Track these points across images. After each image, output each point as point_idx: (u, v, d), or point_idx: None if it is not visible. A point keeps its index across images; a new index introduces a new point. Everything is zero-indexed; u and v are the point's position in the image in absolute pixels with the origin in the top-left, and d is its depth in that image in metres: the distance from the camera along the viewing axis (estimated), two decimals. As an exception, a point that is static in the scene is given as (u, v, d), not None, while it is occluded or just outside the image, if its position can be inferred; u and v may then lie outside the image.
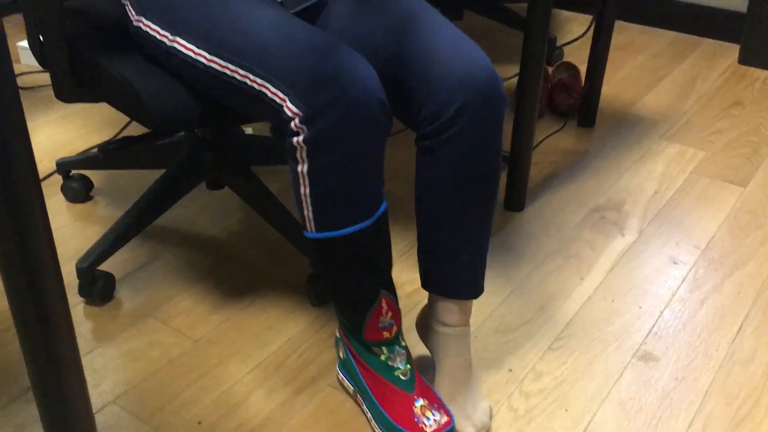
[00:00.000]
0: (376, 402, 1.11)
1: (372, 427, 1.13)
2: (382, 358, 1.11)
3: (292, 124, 0.95)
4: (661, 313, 1.37)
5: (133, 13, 1.16)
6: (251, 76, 1.00)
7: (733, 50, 2.49)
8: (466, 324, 1.16)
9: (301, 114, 0.94)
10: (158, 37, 1.11)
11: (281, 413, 1.17)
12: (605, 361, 1.27)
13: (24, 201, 0.74)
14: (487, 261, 1.23)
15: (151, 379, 1.22)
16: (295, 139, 0.96)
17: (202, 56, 1.05)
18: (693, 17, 2.59)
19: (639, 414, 1.17)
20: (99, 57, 1.17)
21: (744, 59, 2.39)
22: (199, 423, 1.15)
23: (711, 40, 2.57)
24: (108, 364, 1.25)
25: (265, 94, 0.99)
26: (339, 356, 1.20)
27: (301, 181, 0.99)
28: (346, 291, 1.08)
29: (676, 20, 2.63)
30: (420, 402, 1.10)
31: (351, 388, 1.18)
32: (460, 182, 1.06)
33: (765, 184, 1.76)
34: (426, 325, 1.19)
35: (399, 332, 1.12)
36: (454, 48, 1.03)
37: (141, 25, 1.14)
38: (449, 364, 1.15)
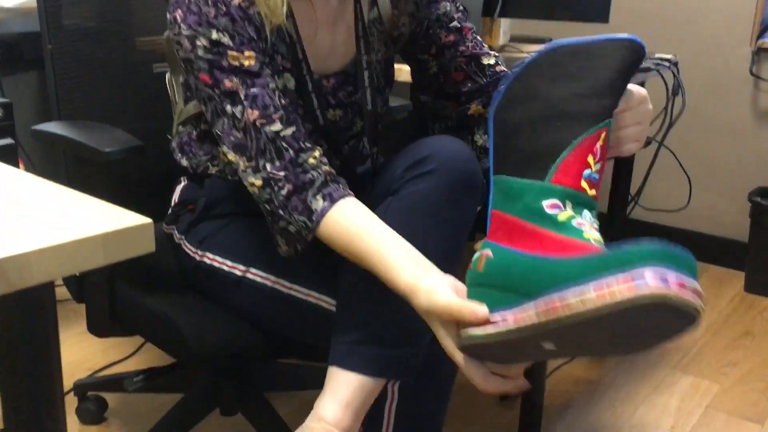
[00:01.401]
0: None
1: None
2: (562, 217, 0.82)
3: None
4: None
5: (193, 249, 1.20)
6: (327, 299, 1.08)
7: (739, 277, 2.55)
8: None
9: None
10: (226, 269, 1.15)
11: None
12: None
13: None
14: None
15: None
16: None
17: (280, 285, 1.11)
18: (698, 245, 2.69)
19: None
20: (138, 293, 1.23)
21: (750, 287, 2.45)
22: None
23: (718, 267, 2.65)
24: None
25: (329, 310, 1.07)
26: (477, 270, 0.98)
27: (390, 395, 1.04)
28: (550, 112, 0.87)
29: (682, 247, 2.72)
30: None
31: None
32: None
33: (783, 422, 1.74)
34: None
35: (596, 209, 0.89)
36: None
37: (205, 259, 1.18)
38: None
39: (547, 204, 0.79)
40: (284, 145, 1.00)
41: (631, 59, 0.86)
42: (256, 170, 1.01)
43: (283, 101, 1.03)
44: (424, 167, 1.02)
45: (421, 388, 1.06)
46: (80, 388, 1.63)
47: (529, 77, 0.87)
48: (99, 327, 1.23)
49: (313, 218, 0.98)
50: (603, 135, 0.82)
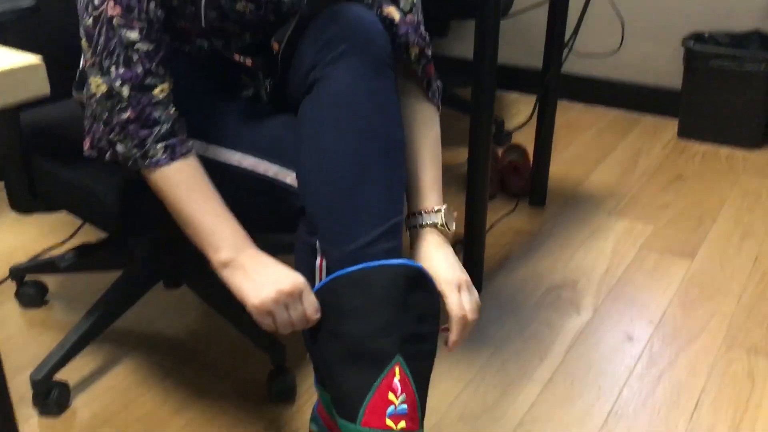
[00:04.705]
0: None
1: None
2: None
3: None
4: (620, 391, 1.39)
5: None
6: (265, 164, 1.04)
7: (673, 124, 2.60)
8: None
9: None
10: None
11: None
12: (569, 445, 1.27)
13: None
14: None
15: (109, 493, 1.19)
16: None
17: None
18: (633, 95, 2.71)
19: (605, 498, 1.17)
20: (56, 166, 1.18)
21: (682, 132, 2.50)
22: None
23: (651, 116, 2.69)
24: (64, 478, 1.21)
25: (282, 181, 1.03)
26: None
27: (320, 252, 1.01)
28: (348, 353, 0.94)
29: (618, 98, 2.75)
30: None
31: None
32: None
33: (711, 256, 1.82)
34: None
35: None
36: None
37: None
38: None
39: None
40: (135, 58, 0.95)
41: (411, 286, 0.95)
42: (101, 71, 0.96)
43: (157, 14, 0.97)
44: (334, 49, 0.99)
45: None
46: (16, 273, 1.59)
47: (323, 308, 0.97)
48: (20, 203, 1.18)
49: (147, 162, 0.97)
50: (397, 370, 0.92)
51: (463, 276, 1.04)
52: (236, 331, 1.52)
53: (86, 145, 1.05)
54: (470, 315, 1.02)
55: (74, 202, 1.16)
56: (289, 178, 1.03)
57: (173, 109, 0.98)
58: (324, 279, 0.99)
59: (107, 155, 1.00)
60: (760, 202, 2.07)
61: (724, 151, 2.41)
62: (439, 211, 1.07)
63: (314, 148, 0.99)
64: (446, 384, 1.41)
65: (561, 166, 2.31)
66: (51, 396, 1.32)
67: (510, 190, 2.12)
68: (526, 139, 2.47)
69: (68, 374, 1.42)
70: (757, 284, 1.71)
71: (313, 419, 1.14)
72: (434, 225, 1.06)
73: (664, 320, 1.59)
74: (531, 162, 2.11)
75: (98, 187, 1.11)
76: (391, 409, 0.92)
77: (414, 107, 1.11)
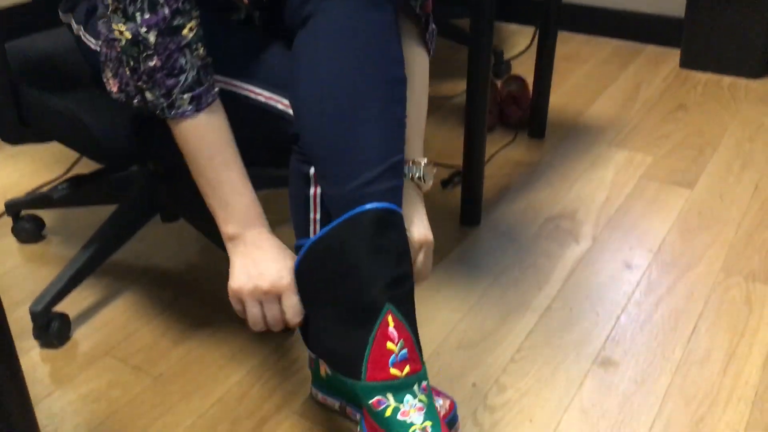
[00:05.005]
0: None
1: None
2: (387, 413, 0.93)
3: None
4: (618, 318, 1.40)
5: (95, 42, 1.13)
6: (256, 89, 1.02)
7: (675, 55, 2.55)
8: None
9: None
10: None
11: (247, 445, 1.16)
12: (566, 370, 1.28)
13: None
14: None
15: (111, 420, 1.20)
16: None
17: None
18: (634, 24, 2.65)
19: (602, 420, 1.19)
20: (45, 95, 1.16)
21: (685, 62, 2.46)
22: (164, 461, 1.13)
23: (653, 46, 2.64)
24: (66, 407, 1.22)
25: (274, 106, 1.01)
26: (321, 375, 1.17)
27: (314, 181, 1.00)
28: (339, 316, 0.95)
29: (619, 28, 2.69)
30: None
31: (336, 404, 1.16)
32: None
33: (711, 186, 1.81)
34: None
35: (417, 378, 0.94)
36: None
37: None
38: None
39: (373, 402, 0.93)
40: (161, 0, 0.91)
41: (380, 229, 0.92)
42: (125, 16, 0.91)
43: None
44: None
45: None
46: (11, 207, 1.58)
47: (304, 281, 0.97)
48: (10, 134, 1.16)
49: (173, 113, 0.95)
50: (390, 318, 0.92)
51: (430, 237, 1.05)
52: (234, 263, 1.52)
53: (114, 87, 1.03)
54: (418, 277, 1.05)
55: (65, 132, 1.14)
56: (281, 104, 1.01)
57: (201, 49, 0.94)
58: (318, 211, 1.00)
59: (135, 101, 0.99)
60: (761, 131, 2.05)
61: (727, 80, 2.37)
62: (418, 164, 1.05)
63: (310, 83, 0.96)
64: (445, 313, 1.42)
65: (561, 98, 2.27)
66: (51, 327, 1.33)
67: (509, 122, 2.09)
68: (525, 70, 2.43)
69: (68, 307, 1.43)
70: (756, 212, 1.70)
71: None
72: (412, 177, 1.05)
73: (663, 248, 1.59)
74: (530, 93, 2.08)
75: (88, 116, 1.09)
76: (392, 358, 0.93)
77: (405, 51, 1.08)
